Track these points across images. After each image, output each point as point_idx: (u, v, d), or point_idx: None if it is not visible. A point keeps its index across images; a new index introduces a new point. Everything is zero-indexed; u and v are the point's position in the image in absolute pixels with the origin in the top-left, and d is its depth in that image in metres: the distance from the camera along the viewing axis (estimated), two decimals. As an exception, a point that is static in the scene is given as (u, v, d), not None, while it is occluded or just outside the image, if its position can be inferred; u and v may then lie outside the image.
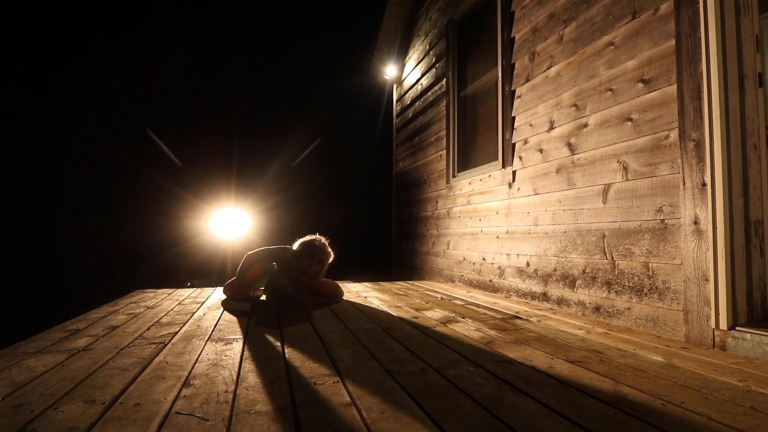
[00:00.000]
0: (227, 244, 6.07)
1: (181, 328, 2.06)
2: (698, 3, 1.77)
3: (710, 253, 1.70)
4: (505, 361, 1.49)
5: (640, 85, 2.06)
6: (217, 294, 3.26)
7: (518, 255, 2.96)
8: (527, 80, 2.94)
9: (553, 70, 2.68)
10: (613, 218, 2.20)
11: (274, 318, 2.26)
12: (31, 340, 1.82)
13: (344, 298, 3.00)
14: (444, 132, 4.19)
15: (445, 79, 4.24)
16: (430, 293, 3.28)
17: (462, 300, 2.94)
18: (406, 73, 5.48)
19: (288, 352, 1.61)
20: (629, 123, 2.12)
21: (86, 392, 1.19)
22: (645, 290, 2.01)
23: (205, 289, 3.62)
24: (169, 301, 2.94)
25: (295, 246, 2.77)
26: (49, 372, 1.38)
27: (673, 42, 1.90)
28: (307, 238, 2.78)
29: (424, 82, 4.83)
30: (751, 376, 1.34)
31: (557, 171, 2.61)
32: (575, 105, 2.49)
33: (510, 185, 3.08)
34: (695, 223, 1.76)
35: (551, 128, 2.68)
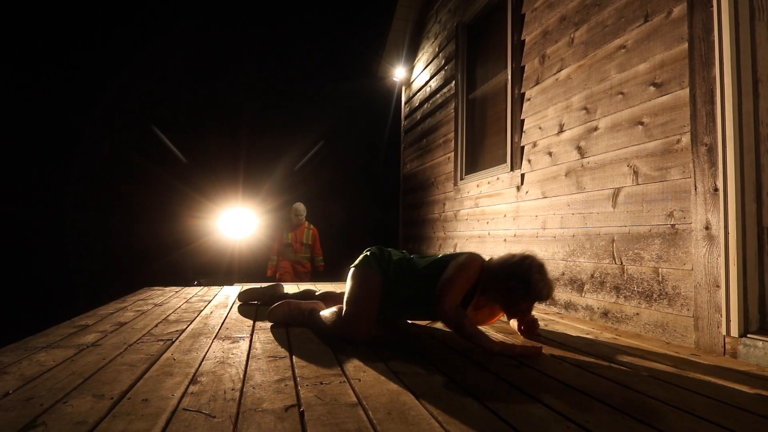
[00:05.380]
0: (234, 244, 6.10)
1: (189, 325, 2.07)
2: (712, 6, 1.75)
3: (722, 259, 1.67)
4: (512, 365, 1.48)
5: (652, 88, 2.04)
6: (224, 292, 3.27)
7: (526, 258, 2.94)
8: (537, 83, 2.93)
9: (564, 73, 2.66)
10: (623, 222, 2.18)
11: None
12: (41, 334, 1.84)
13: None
14: (452, 134, 4.19)
15: (454, 82, 4.24)
16: (436, 295, 3.27)
17: (468, 303, 2.92)
18: (415, 75, 5.48)
19: (294, 351, 1.61)
20: (640, 127, 2.10)
21: (95, 387, 1.20)
22: (654, 296, 1.98)
23: (212, 287, 3.64)
24: (177, 299, 2.96)
25: (499, 267, 1.76)
26: (59, 366, 1.39)
27: (686, 45, 1.88)
28: (520, 259, 1.73)
29: (433, 84, 4.83)
30: (763, 385, 1.32)
31: (566, 174, 2.59)
32: (585, 108, 2.47)
33: (518, 188, 3.06)
34: (707, 228, 1.74)
35: (561, 131, 2.66)
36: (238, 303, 2.74)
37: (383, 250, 2.02)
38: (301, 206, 5.29)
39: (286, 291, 2.79)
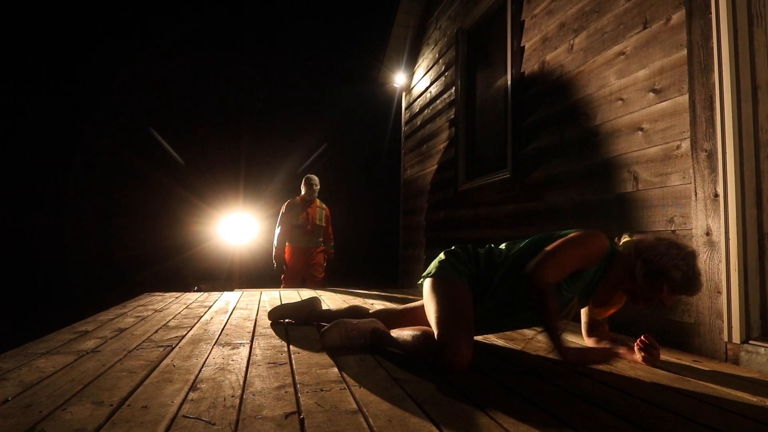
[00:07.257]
0: (235, 250, 6.07)
1: (189, 331, 2.07)
2: (710, 13, 1.76)
3: (722, 265, 1.67)
4: (513, 371, 1.47)
5: (651, 94, 2.05)
6: (224, 298, 3.26)
7: (526, 264, 2.94)
8: (537, 89, 2.93)
9: (563, 79, 2.67)
10: (623, 229, 2.18)
11: (281, 325, 2.26)
12: (40, 340, 1.84)
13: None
14: (453, 140, 4.20)
15: (454, 88, 4.25)
16: (436, 301, 3.26)
17: (469, 308, 2.91)
18: (415, 81, 5.51)
19: (294, 357, 1.61)
20: (640, 133, 2.11)
21: (94, 394, 1.20)
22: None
23: (212, 293, 3.64)
24: (177, 304, 2.95)
25: (625, 245, 1.52)
26: (58, 373, 1.39)
27: (684, 52, 1.89)
28: (655, 241, 1.48)
29: (433, 90, 4.84)
30: (765, 391, 1.31)
31: (567, 180, 2.60)
32: (585, 114, 2.48)
33: (518, 194, 3.06)
34: (707, 234, 1.74)
35: (561, 137, 2.67)
36: (240, 310, 2.73)
37: (465, 249, 1.69)
38: (315, 178, 4.43)
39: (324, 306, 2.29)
